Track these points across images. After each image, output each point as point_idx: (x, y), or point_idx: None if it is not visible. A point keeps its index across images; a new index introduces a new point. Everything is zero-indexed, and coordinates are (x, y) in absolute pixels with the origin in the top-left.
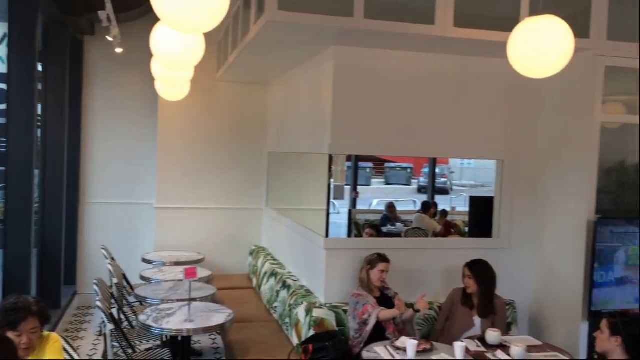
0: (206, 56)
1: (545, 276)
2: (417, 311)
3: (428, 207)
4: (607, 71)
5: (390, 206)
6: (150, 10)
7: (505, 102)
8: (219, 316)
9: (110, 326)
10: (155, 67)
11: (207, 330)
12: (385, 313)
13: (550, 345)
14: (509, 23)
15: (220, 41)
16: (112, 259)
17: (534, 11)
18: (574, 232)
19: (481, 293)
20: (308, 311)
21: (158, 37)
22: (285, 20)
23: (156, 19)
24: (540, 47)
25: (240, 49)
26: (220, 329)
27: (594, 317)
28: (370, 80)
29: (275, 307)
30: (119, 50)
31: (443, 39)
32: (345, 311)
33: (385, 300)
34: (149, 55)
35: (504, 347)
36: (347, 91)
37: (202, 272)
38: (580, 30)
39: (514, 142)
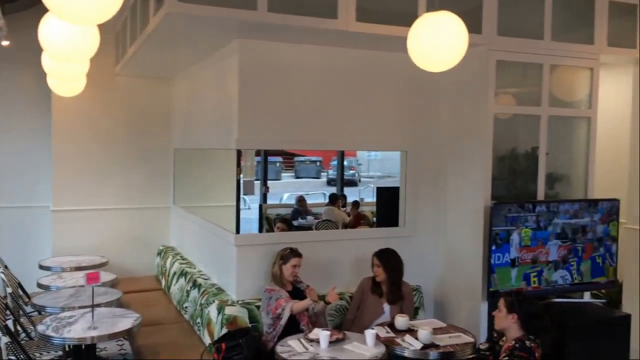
0: (103, 49)
1: (449, 261)
2: (328, 303)
3: (336, 199)
4: (498, 65)
5: (301, 199)
6: (39, 0)
7: (408, 95)
8: (126, 321)
9: (5, 339)
10: (46, 61)
11: (113, 336)
12: (299, 305)
13: (454, 326)
14: (408, 18)
15: (117, 33)
16: (6, 267)
17: (431, 7)
18: (473, 218)
19: (389, 280)
20: (220, 309)
21: (47, 29)
22: (185, 12)
23: (45, 10)
24: (437, 42)
25: (140, 42)
26: (128, 334)
27: (492, 297)
28: (276, 74)
29: (186, 307)
30: (5, 42)
31: (346, 33)
32: (258, 307)
33: (298, 293)
34: (39, 48)
35: (412, 331)
36: (253, 85)
37: (105, 276)
38: (473, 26)
39: (416, 133)
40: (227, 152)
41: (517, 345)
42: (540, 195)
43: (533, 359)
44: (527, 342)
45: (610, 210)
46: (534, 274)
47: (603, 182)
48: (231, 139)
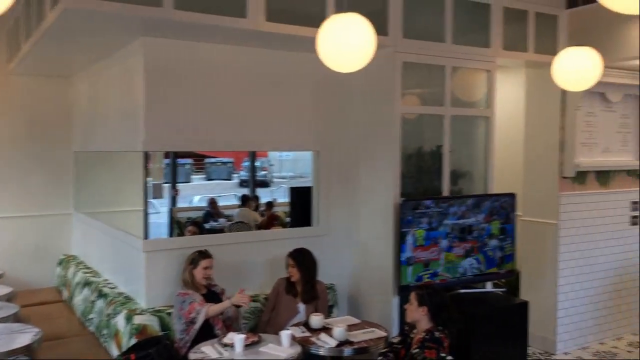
0: None
1: (362, 258)
2: (238, 307)
3: (247, 200)
4: (405, 66)
5: (212, 202)
6: None
7: (319, 95)
8: (24, 336)
9: None
10: None
11: (10, 353)
12: (215, 308)
13: (368, 322)
14: (317, 19)
15: (9, 30)
16: None
17: (339, 8)
18: (384, 215)
19: (304, 280)
20: (128, 319)
21: None
22: (84, 7)
23: None
24: (345, 43)
25: (35, 38)
26: (27, 351)
27: (403, 291)
28: (185, 74)
29: (91, 319)
30: None
31: (255, 32)
32: (169, 314)
33: (213, 296)
34: None
35: (327, 329)
36: (160, 85)
37: (0, 290)
38: (380, 28)
39: (328, 133)
40: (134, 154)
41: (427, 336)
42: (445, 191)
43: (442, 349)
44: (437, 333)
45: (507, 203)
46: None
47: (502, 177)
48: (137, 140)
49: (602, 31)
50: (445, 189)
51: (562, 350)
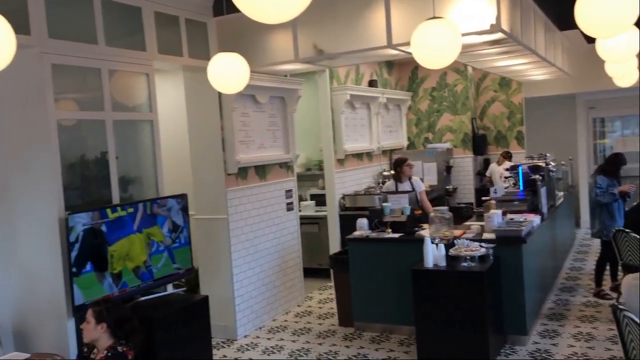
0: None
1: (25, 283)
2: None
3: None
4: (56, 69)
5: None
6: None
7: None
8: None
9: None
10: None
11: None
12: None
13: (40, 354)
14: None
15: None
16: None
17: None
18: (48, 231)
19: None
20: None
21: None
22: None
23: None
24: None
25: None
26: None
27: (79, 311)
28: None
29: None
30: None
31: None
32: None
33: None
34: None
35: None
36: None
37: None
38: (21, 26)
39: None
40: None
41: (109, 354)
42: (116, 199)
43: None
44: (120, 348)
45: (180, 204)
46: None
47: (173, 179)
48: None
49: (248, 38)
50: (116, 196)
51: (243, 334)
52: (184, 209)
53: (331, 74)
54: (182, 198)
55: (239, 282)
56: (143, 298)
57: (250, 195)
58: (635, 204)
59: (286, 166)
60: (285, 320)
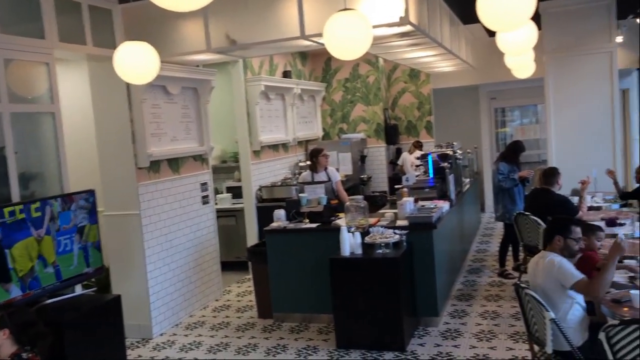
0: None
1: None
2: None
3: None
4: None
5: None
6: None
7: None
8: None
9: None
10: None
11: None
12: None
13: None
14: None
15: None
16: None
17: None
18: None
19: None
20: None
21: None
22: None
23: None
24: None
25: None
26: None
27: None
28: None
29: None
30: None
31: None
32: None
33: None
34: None
35: None
36: None
37: None
38: None
39: None
40: None
41: None
42: (16, 197)
43: None
44: (24, 355)
45: (88, 201)
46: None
47: (79, 174)
48: None
49: (157, 27)
50: (15, 194)
51: (159, 333)
52: (92, 206)
53: (245, 65)
54: (89, 194)
55: (154, 279)
56: (50, 300)
57: (164, 190)
58: (533, 188)
59: (201, 159)
60: (203, 316)
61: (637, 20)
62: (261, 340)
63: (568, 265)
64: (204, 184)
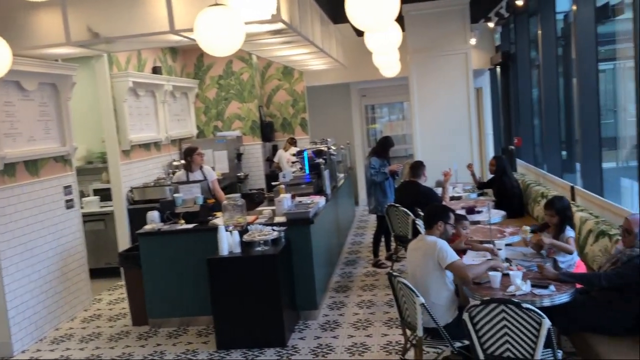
0: None
1: None
2: None
3: None
4: None
5: None
6: None
7: None
8: None
9: None
10: None
11: None
12: None
13: None
14: None
15: None
16: None
17: None
18: None
19: None
20: None
21: None
22: None
23: None
24: None
25: None
26: None
27: None
28: None
29: None
30: None
31: None
32: None
33: None
34: None
35: None
36: None
37: None
38: None
39: None
40: None
41: None
42: None
43: None
44: None
45: None
46: None
47: None
48: None
49: (9, 17)
50: None
51: (20, 349)
52: None
53: (110, 59)
54: None
55: (12, 293)
56: None
57: (21, 194)
58: (402, 181)
59: (63, 160)
60: (71, 328)
61: (488, 24)
62: (137, 349)
63: (447, 247)
64: (67, 187)
